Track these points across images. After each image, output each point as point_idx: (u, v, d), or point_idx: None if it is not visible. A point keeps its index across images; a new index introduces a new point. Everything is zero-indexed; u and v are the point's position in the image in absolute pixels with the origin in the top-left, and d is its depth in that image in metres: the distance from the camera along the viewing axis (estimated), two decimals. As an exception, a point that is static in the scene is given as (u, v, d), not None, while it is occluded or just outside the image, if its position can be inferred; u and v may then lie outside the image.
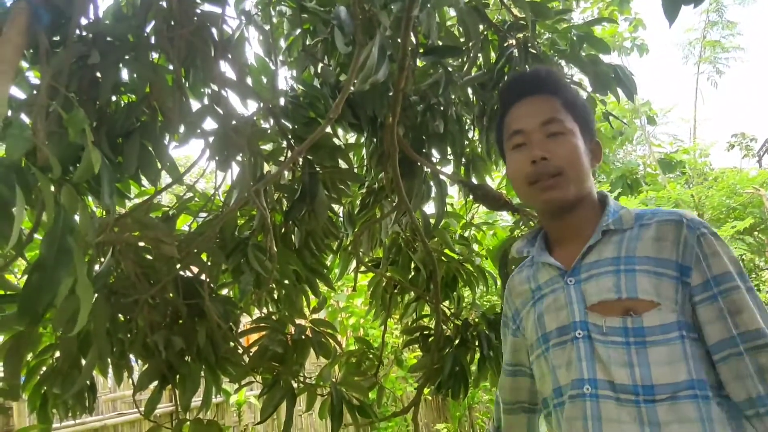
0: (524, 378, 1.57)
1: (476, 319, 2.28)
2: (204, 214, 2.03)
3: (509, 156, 1.42)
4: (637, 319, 1.20)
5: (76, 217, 1.17)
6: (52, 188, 1.37)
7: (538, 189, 1.33)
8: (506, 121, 1.44)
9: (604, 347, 1.22)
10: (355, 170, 2.36)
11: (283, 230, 2.14)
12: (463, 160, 2.46)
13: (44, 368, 1.88)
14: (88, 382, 1.89)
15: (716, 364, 1.20)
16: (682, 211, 1.30)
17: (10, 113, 1.55)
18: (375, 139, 2.20)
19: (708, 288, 1.21)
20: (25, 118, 1.56)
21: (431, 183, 2.27)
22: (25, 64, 1.70)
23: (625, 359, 1.20)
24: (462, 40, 2.22)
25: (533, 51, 2.18)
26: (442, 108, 2.17)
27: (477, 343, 2.21)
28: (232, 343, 1.92)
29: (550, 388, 1.33)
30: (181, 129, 1.84)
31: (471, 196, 2.21)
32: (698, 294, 1.22)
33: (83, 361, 1.78)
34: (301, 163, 2.03)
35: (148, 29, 1.76)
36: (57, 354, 1.85)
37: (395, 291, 2.52)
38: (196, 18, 1.80)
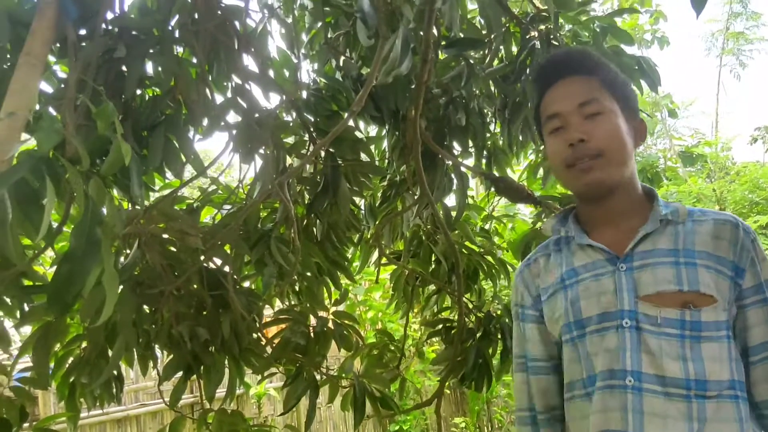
0: (558, 376, 1.42)
1: (498, 311, 2.28)
2: (228, 207, 2.05)
3: (547, 141, 1.38)
4: (696, 312, 1.18)
5: (104, 209, 1.19)
6: (81, 181, 1.39)
7: (577, 172, 1.29)
8: (542, 106, 1.40)
9: (656, 339, 1.19)
10: (377, 163, 2.37)
11: (305, 223, 2.15)
12: (485, 152, 2.46)
13: (72, 358, 1.91)
14: (114, 372, 1.92)
15: (752, 365, 1.21)
16: (733, 215, 1.29)
17: (38, 107, 1.58)
18: (397, 132, 2.21)
19: (760, 291, 1.22)
20: (53, 112, 1.59)
21: (452, 175, 2.27)
22: (52, 59, 1.73)
23: (679, 352, 1.17)
24: (484, 32, 2.22)
25: (555, 43, 2.17)
26: (464, 101, 2.17)
27: (499, 336, 2.21)
28: (255, 335, 1.94)
29: (580, 376, 1.28)
30: (205, 122, 1.85)
31: (493, 188, 2.21)
32: (750, 296, 1.22)
33: (110, 352, 1.81)
34: (323, 156, 2.04)
35: (173, 23, 1.78)
36: (84, 344, 1.88)
37: (417, 283, 2.52)
38: (219, 12, 1.81)
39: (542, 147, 2.72)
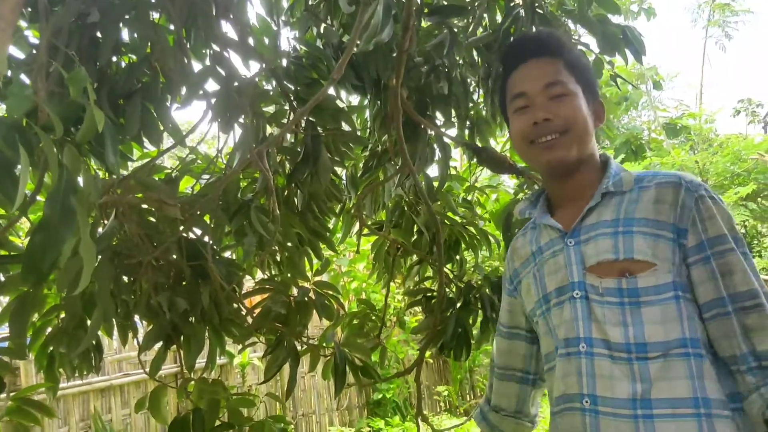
0: (520, 342, 1.60)
1: (479, 281, 2.29)
2: (207, 176, 2.03)
3: (512, 119, 1.44)
4: (632, 279, 1.24)
5: (79, 178, 1.17)
6: (55, 149, 1.36)
7: (539, 148, 1.36)
8: (509, 84, 1.46)
9: (600, 307, 1.26)
10: (359, 132, 2.35)
11: (285, 193, 2.14)
12: (468, 122, 2.44)
13: (50, 328, 1.90)
14: (93, 342, 1.91)
15: (706, 323, 1.24)
16: (681, 173, 1.32)
17: (9, 73, 1.54)
18: (378, 101, 2.18)
19: (702, 250, 1.25)
20: (25, 79, 1.55)
21: (435, 146, 2.26)
22: (23, 23, 1.69)
23: (620, 318, 1.24)
24: (467, 0, 2.19)
25: (540, 11, 2.14)
26: (446, 70, 2.14)
27: (480, 305, 2.22)
28: (235, 305, 1.94)
29: (552, 346, 1.38)
30: (183, 90, 1.82)
31: (475, 159, 2.20)
32: (692, 255, 1.25)
33: (88, 322, 1.80)
34: (303, 125, 2.02)
35: (149, -13, 1.73)
36: (62, 314, 1.86)
37: (398, 254, 2.52)
38: (197, -24, 1.77)
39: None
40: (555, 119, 1.34)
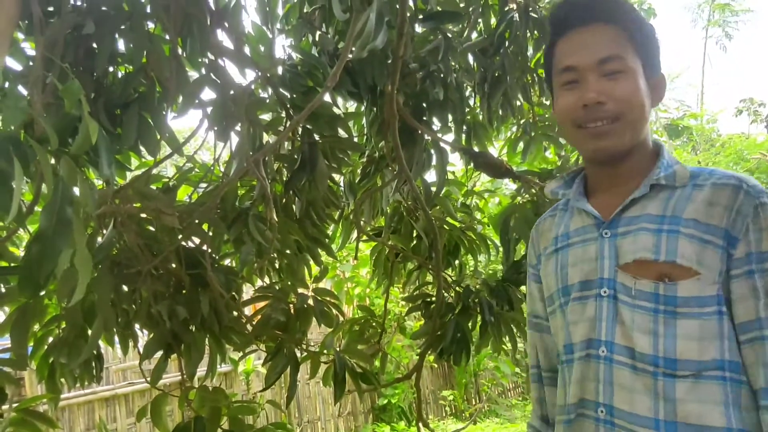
0: (549, 336, 1.39)
1: (478, 286, 2.29)
2: (204, 185, 2.04)
3: (558, 93, 1.26)
4: (671, 286, 1.10)
5: (76, 189, 1.18)
6: (52, 160, 1.37)
7: (588, 135, 1.19)
8: (556, 53, 1.26)
9: (630, 311, 1.14)
10: (356, 139, 2.35)
11: (284, 200, 2.15)
12: (464, 127, 2.45)
13: (51, 339, 1.90)
14: (94, 352, 1.92)
15: (740, 346, 1.10)
16: (743, 175, 1.15)
17: (6, 85, 1.56)
18: (375, 108, 2.19)
19: (748, 262, 1.09)
20: (22, 90, 1.56)
21: (432, 151, 2.27)
22: (20, 35, 1.70)
23: (650, 327, 1.11)
24: (462, 5, 2.20)
25: (534, 15, 2.15)
26: (442, 75, 2.15)
27: (478, 310, 2.22)
28: (235, 312, 1.94)
29: (562, 343, 1.26)
30: (180, 99, 1.83)
31: (472, 164, 2.21)
32: (736, 267, 1.10)
33: (89, 332, 1.81)
34: (300, 132, 2.03)
35: (143, -2, 1.75)
36: (63, 325, 1.87)
37: (397, 259, 2.53)
38: (191, -14, 1.78)
39: (522, 121, 2.72)
40: (608, 102, 1.16)
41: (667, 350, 1.09)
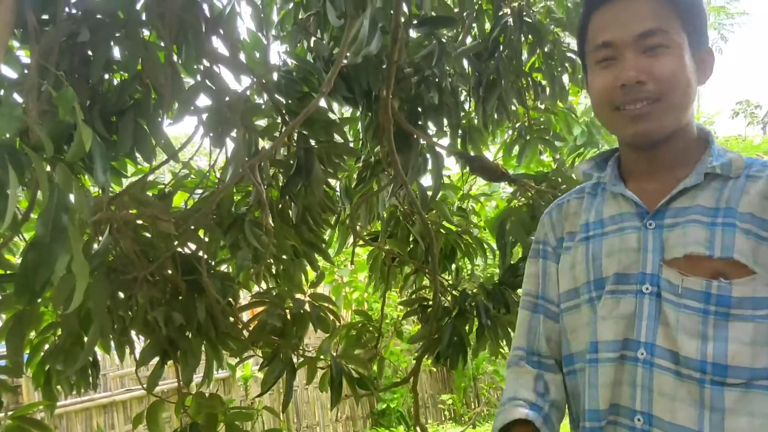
0: (555, 324, 1.25)
1: (474, 290, 2.29)
2: (200, 191, 2.04)
3: (593, 71, 1.14)
4: (725, 285, 0.99)
5: (71, 196, 1.18)
6: (47, 168, 1.37)
7: (626, 118, 1.08)
8: (590, 27, 1.14)
9: (675, 311, 1.02)
10: (351, 144, 2.36)
11: (280, 206, 2.15)
12: (460, 131, 2.46)
13: (47, 346, 1.90)
14: (90, 359, 1.92)
15: None
16: None
17: (1, 92, 1.56)
18: (370, 113, 2.20)
19: None
20: (18, 98, 1.57)
21: (427, 155, 2.27)
22: (15, 44, 1.70)
23: (699, 329, 1.00)
24: (456, 10, 2.20)
25: (528, 20, 2.16)
26: (436, 80, 2.16)
27: (475, 313, 2.22)
28: (231, 318, 1.94)
29: (586, 341, 1.13)
30: (175, 106, 1.84)
31: (468, 168, 2.21)
32: None
33: (85, 339, 1.81)
34: (295, 138, 2.03)
35: (139, 5, 1.75)
36: (59, 332, 1.87)
37: (394, 264, 2.53)
38: (185, -7, 1.79)
39: (517, 125, 2.73)
40: (649, 81, 1.04)
41: (717, 355, 0.98)
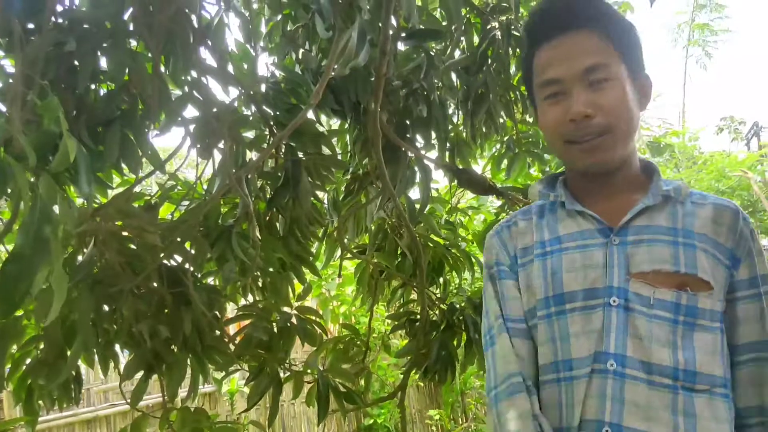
0: (530, 342, 1.23)
1: (462, 304, 2.28)
2: (187, 203, 2.02)
3: (542, 106, 1.20)
4: (692, 296, 1.07)
5: (55, 207, 1.16)
6: (31, 178, 1.36)
7: (579, 150, 1.14)
8: (537, 62, 1.20)
9: (647, 321, 1.07)
10: (339, 156, 2.35)
11: (267, 218, 2.13)
12: (448, 144, 2.46)
13: (29, 359, 1.87)
14: (73, 373, 1.89)
15: (736, 366, 1.11)
16: (734, 202, 1.18)
17: (-15, 102, 1.54)
18: (358, 125, 2.20)
19: (755, 285, 1.12)
20: (1, 107, 1.55)
21: (416, 168, 2.27)
22: (0, 52, 1.69)
23: (670, 338, 1.06)
24: (444, 23, 2.21)
25: (517, 33, 2.17)
26: (425, 92, 2.16)
27: (463, 327, 2.21)
28: (217, 332, 1.92)
29: (552, 359, 1.14)
30: (162, 117, 1.83)
31: (456, 181, 2.21)
32: (742, 289, 1.12)
33: (69, 352, 1.78)
34: (283, 150, 2.02)
35: (126, 16, 1.74)
36: (42, 345, 1.84)
37: (381, 277, 2.52)
38: (173, 4, 1.78)
39: (505, 138, 2.74)
40: (597, 114, 1.11)
41: (687, 362, 1.05)
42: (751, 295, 1.12)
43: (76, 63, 1.68)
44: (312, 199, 2.12)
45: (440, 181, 3.31)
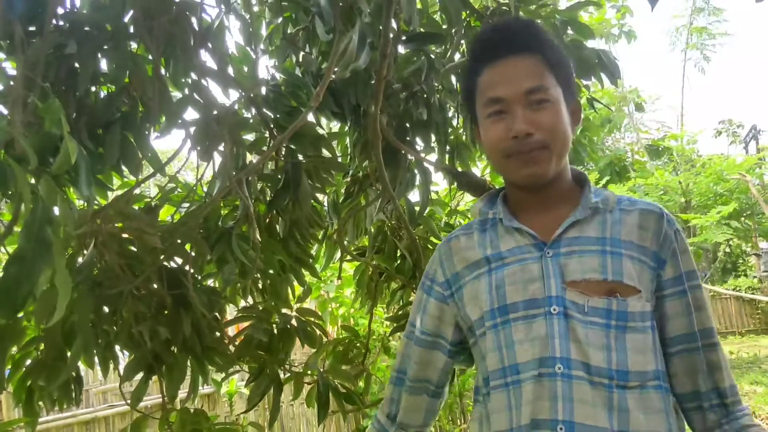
0: (440, 354, 1.41)
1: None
2: (187, 205, 2.03)
3: (484, 124, 1.28)
4: (622, 302, 1.18)
5: (56, 209, 1.17)
6: (32, 180, 1.36)
7: (518, 163, 1.24)
8: (480, 83, 1.29)
9: (583, 327, 1.17)
10: (339, 159, 2.36)
11: (267, 220, 2.14)
12: (448, 147, 2.46)
13: (29, 361, 1.87)
14: (73, 374, 1.89)
15: (669, 357, 1.23)
16: (659, 205, 1.29)
17: (-14, 104, 1.55)
18: (358, 128, 2.20)
19: (680, 282, 1.23)
20: (2, 110, 1.56)
21: (415, 171, 2.28)
22: (1, 55, 1.69)
23: (604, 342, 1.16)
24: (444, 26, 2.22)
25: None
26: (425, 95, 2.17)
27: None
28: (217, 333, 1.93)
29: (500, 365, 1.24)
30: (162, 119, 1.83)
31: (455, 184, 2.22)
32: (669, 287, 1.24)
33: (68, 353, 1.78)
34: (283, 152, 2.03)
35: (126, 18, 1.75)
36: (42, 346, 1.84)
37: (381, 279, 2.52)
38: (174, 6, 1.79)
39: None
40: (536, 132, 1.21)
41: (620, 363, 1.15)
42: (677, 292, 1.23)
43: (77, 65, 1.69)
44: (312, 201, 2.12)
45: (440, 183, 3.31)
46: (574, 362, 1.16)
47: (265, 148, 2.06)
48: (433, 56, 2.13)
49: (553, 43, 1.30)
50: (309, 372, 2.01)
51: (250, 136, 2.13)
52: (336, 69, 1.73)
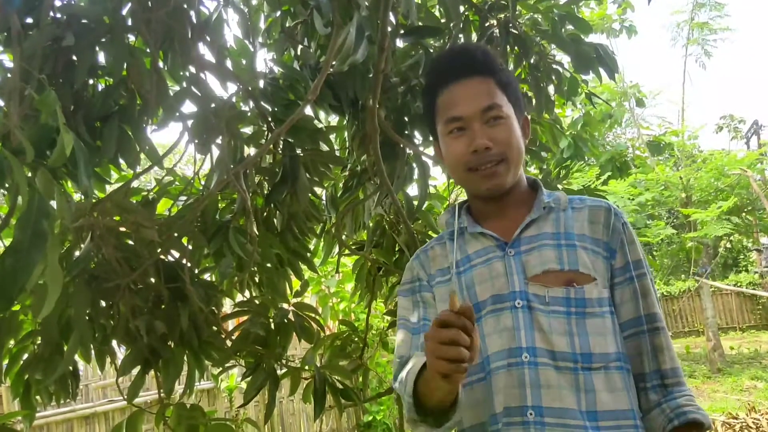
0: None
1: (459, 300, 2.27)
2: (184, 198, 2.02)
3: (445, 140, 1.40)
4: (579, 290, 1.28)
5: (53, 202, 1.16)
6: (29, 173, 1.36)
7: (479, 176, 1.35)
8: (440, 103, 1.41)
9: (546, 316, 1.27)
10: (337, 153, 2.35)
11: (265, 213, 2.14)
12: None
13: (26, 355, 1.87)
14: (70, 369, 1.89)
15: (624, 340, 1.31)
16: (607, 201, 1.42)
17: (-17, 97, 1.54)
18: (356, 121, 2.19)
19: (627, 270, 1.33)
20: (0, 103, 1.55)
21: (414, 165, 2.27)
22: (-1, 47, 1.69)
23: (566, 328, 1.26)
24: (442, 20, 2.21)
25: (514, 31, 2.17)
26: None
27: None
28: (214, 327, 1.92)
29: (478, 359, 1.26)
30: (160, 112, 1.83)
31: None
32: (618, 276, 1.33)
33: (65, 347, 1.78)
34: (281, 145, 2.02)
35: (124, 11, 1.74)
36: (39, 340, 1.84)
37: (380, 273, 2.52)
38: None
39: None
40: (494, 146, 1.32)
41: (583, 346, 1.25)
42: (625, 280, 1.33)
43: (74, 58, 1.68)
44: (310, 195, 2.12)
45: (438, 177, 3.31)
46: (539, 350, 1.25)
47: (262, 142, 2.05)
48: (431, 50, 2.12)
49: (503, 66, 1.45)
50: (306, 367, 2.01)
51: (247, 129, 2.13)
52: (334, 62, 1.72)
